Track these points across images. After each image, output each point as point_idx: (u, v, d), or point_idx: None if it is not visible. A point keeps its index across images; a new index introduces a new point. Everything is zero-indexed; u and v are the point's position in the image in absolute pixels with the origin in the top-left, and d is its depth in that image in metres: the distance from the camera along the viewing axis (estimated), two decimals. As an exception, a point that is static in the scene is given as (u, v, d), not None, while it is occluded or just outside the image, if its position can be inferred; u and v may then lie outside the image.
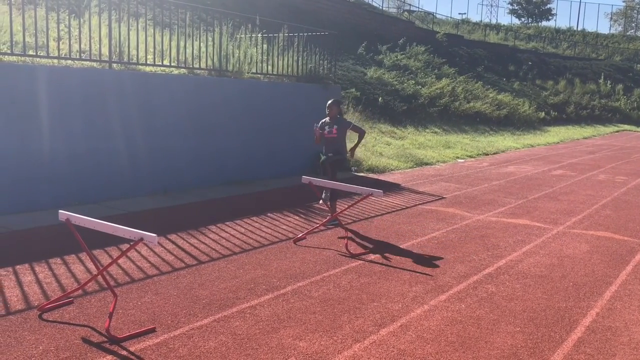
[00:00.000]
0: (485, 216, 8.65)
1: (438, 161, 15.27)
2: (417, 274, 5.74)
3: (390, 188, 10.79)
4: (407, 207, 9.09)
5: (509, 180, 12.51)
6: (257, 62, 11.40)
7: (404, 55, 25.52)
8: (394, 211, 8.77)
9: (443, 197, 10.10)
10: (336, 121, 7.82)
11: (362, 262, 6.10)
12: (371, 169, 12.96)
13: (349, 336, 4.22)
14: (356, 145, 8.04)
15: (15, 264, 5.51)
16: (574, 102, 33.82)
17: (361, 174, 12.45)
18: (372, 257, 6.31)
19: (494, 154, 18.15)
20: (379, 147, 15.36)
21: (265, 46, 11.91)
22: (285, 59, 11.99)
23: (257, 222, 7.71)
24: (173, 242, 6.51)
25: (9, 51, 7.59)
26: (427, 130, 19.64)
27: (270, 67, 11.68)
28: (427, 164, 14.72)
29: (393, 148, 15.62)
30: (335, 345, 4.06)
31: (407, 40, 27.18)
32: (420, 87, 22.39)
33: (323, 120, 7.89)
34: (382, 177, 12.24)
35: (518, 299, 5.16)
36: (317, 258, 6.17)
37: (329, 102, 7.90)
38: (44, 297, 4.76)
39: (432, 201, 9.72)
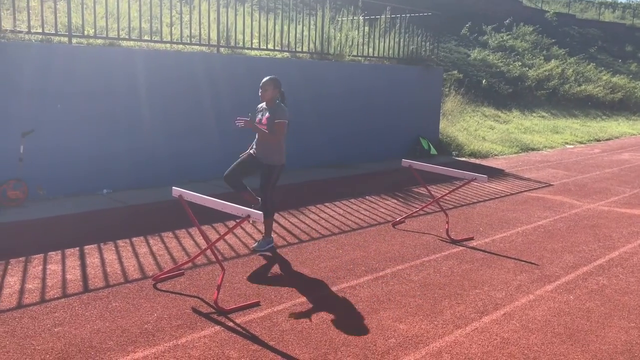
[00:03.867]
0: (596, 205, 8.18)
1: (545, 147, 14.58)
2: (522, 263, 5.54)
3: (494, 174, 10.44)
4: (512, 194, 8.77)
5: (623, 168, 11.71)
6: (358, 45, 11.38)
7: (510, 36, 24.47)
8: (497, 197, 8.49)
9: (550, 184, 9.65)
10: (273, 108, 5.55)
11: (463, 248, 5.98)
12: (473, 154, 12.61)
13: (450, 322, 4.17)
14: (262, 130, 5.52)
15: (131, 236, 5.90)
16: (701, 84, 30.93)
17: (463, 159, 12.16)
18: (474, 243, 6.16)
19: (606, 140, 17.06)
20: (482, 131, 14.90)
21: (366, 28, 11.86)
22: (387, 41, 11.88)
23: (355, 204, 7.75)
24: (275, 221, 6.69)
25: (127, 36, 8.08)
26: (534, 114, 18.78)
27: (371, 50, 11.63)
28: (533, 149, 14.11)
29: (497, 132, 15.09)
30: (436, 330, 4.02)
31: (513, 20, 26.02)
32: (527, 69, 21.41)
33: (258, 107, 5.78)
34: (484, 162, 11.88)
35: (633, 293, 4.85)
36: (416, 242, 6.11)
37: (264, 80, 5.53)
38: (157, 268, 5.07)
39: (539, 188, 9.31)
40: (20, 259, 5.12)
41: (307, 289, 4.70)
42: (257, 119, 5.62)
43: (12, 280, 4.62)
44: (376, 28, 11.80)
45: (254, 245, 5.70)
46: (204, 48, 8.96)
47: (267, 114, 5.56)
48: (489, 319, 4.23)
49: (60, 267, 4.97)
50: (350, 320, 4.12)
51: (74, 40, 7.57)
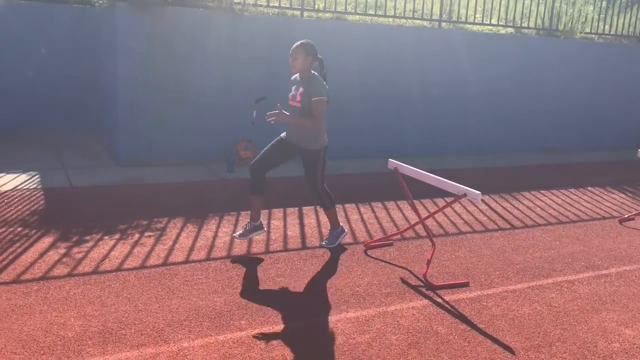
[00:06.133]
0: None
1: None
2: None
3: None
4: None
5: None
6: (591, 21, 10.38)
7: None
8: None
9: None
10: (307, 80, 4.54)
11: None
12: None
13: (688, 336, 3.67)
14: (297, 121, 4.57)
15: (344, 203, 6.17)
16: None
17: None
18: None
19: None
20: None
21: (603, 3, 10.75)
22: (627, 16, 10.65)
23: (574, 194, 7.18)
24: (486, 203, 6.49)
25: (352, 11, 8.35)
26: None
27: (607, 27, 10.52)
28: None
29: None
30: (670, 343, 3.58)
31: None
32: None
33: (292, 79, 4.75)
34: None
35: None
36: (648, 243, 5.48)
37: (294, 45, 4.53)
38: (367, 235, 5.24)
39: None
40: (250, 212, 5.65)
41: (518, 277, 4.49)
42: (290, 94, 4.64)
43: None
44: (615, 2, 10.62)
45: (322, 242, 4.93)
46: (425, 23, 8.90)
47: (300, 88, 4.53)
48: None
49: (282, 224, 5.40)
50: (567, 316, 3.85)
51: (305, 14, 8.04)
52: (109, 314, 3.51)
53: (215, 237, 4.96)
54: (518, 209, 6.40)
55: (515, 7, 9.59)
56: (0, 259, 4.25)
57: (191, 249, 4.65)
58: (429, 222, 5.67)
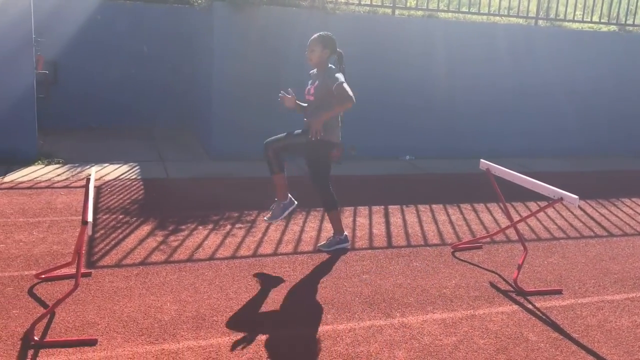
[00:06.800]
0: None
1: None
2: None
3: None
4: None
5: None
6: None
7: None
8: None
9: None
10: (323, 73, 4.37)
11: None
12: None
13: None
14: (325, 113, 4.22)
15: (431, 203, 6.10)
16: None
17: None
18: None
19: None
20: None
21: None
22: None
23: (682, 203, 6.72)
24: (581, 209, 6.21)
25: (445, 8, 8.22)
26: None
27: None
28: None
29: None
30: None
31: None
32: None
33: (310, 73, 4.60)
34: None
35: None
36: None
37: (311, 38, 4.39)
38: (455, 237, 5.15)
39: None
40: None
41: (616, 287, 4.27)
42: (305, 89, 4.51)
43: (330, 226, 5.19)
44: None
45: (320, 244, 4.72)
46: (520, 20, 8.62)
47: (316, 82, 4.39)
48: None
49: (368, 222, 5.41)
50: (670, 332, 3.62)
51: (396, 12, 8.00)
52: (202, 301, 3.67)
53: (302, 231, 5.06)
54: (616, 215, 6.07)
55: (620, 2, 9.07)
56: (103, 244, 4.54)
57: (279, 242, 4.76)
58: (520, 226, 5.49)
